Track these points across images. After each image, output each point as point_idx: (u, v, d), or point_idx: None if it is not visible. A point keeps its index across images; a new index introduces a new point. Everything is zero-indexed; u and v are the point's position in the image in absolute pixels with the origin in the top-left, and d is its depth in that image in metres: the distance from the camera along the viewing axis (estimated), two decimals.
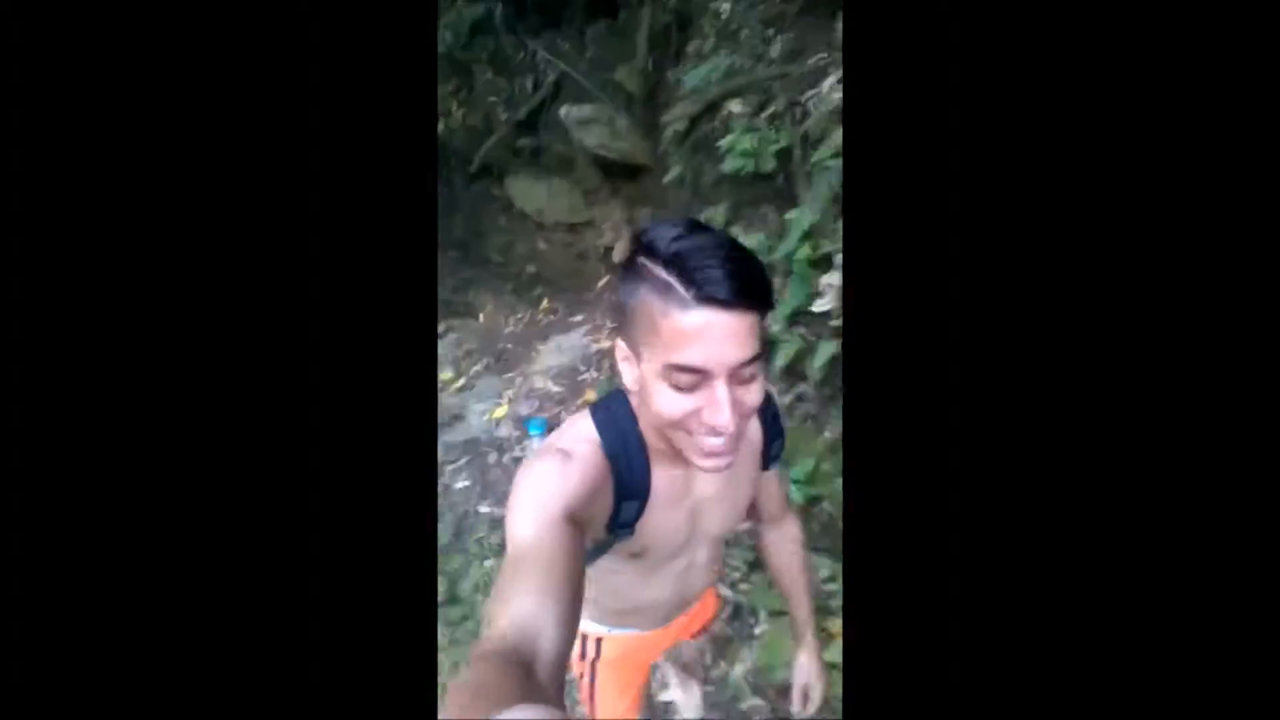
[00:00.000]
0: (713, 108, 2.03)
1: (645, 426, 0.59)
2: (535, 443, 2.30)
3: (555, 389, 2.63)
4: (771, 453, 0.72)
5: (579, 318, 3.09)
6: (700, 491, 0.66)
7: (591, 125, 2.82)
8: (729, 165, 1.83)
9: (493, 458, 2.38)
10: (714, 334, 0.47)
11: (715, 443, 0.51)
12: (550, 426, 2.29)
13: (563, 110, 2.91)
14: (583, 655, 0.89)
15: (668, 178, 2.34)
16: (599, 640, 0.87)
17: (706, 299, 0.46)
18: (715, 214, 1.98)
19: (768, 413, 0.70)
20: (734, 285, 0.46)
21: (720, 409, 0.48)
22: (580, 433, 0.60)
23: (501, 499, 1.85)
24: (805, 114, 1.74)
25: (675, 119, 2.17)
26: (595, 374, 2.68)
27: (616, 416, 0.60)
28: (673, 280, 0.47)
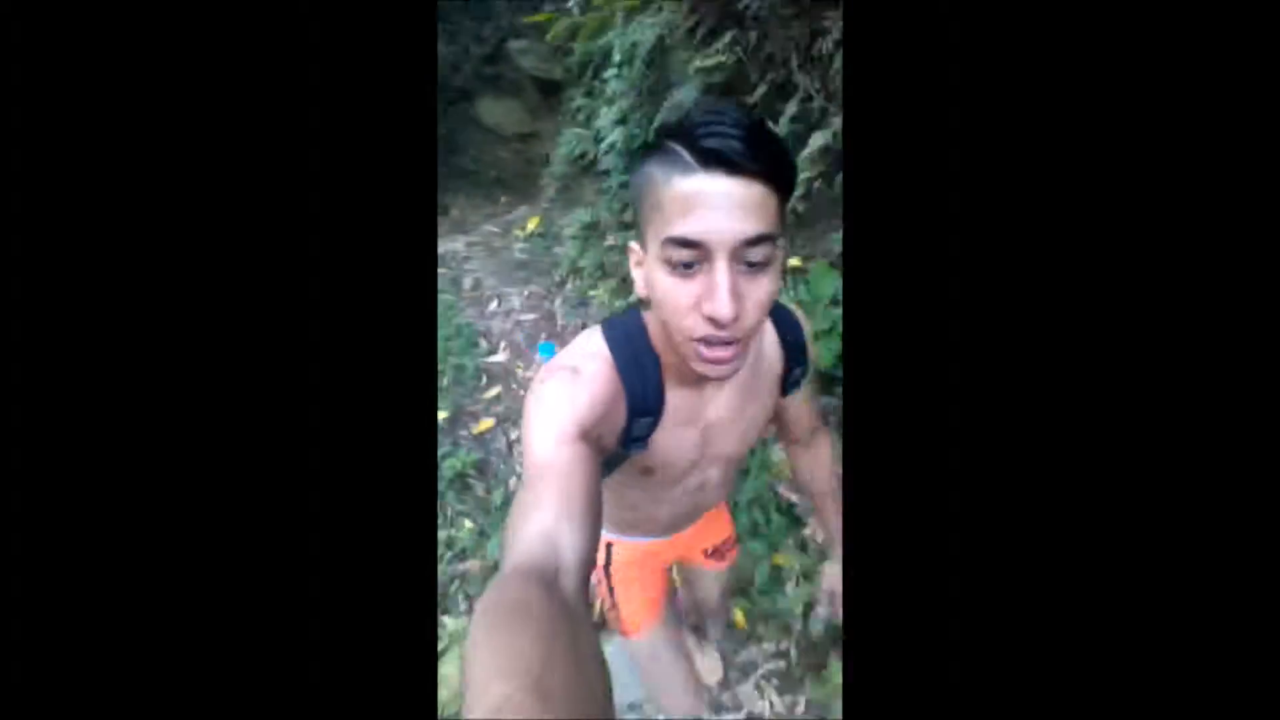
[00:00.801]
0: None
1: (658, 342, 0.57)
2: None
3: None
4: (791, 378, 0.69)
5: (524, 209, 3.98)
6: (714, 412, 0.64)
7: (528, 53, 3.68)
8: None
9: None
10: (715, 201, 0.43)
11: (718, 350, 0.48)
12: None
13: (510, 43, 3.77)
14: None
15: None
16: (609, 545, 0.89)
17: (709, 160, 0.42)
18: None
19: (788, 336, 0.66)
20: (741, 148, 0.42)
21: (719, 293, 0.44)
22: (590, 348, 0.58)
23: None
24: None
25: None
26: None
27: (630, 332, 0.58)
28: (678, 146, 0.44)
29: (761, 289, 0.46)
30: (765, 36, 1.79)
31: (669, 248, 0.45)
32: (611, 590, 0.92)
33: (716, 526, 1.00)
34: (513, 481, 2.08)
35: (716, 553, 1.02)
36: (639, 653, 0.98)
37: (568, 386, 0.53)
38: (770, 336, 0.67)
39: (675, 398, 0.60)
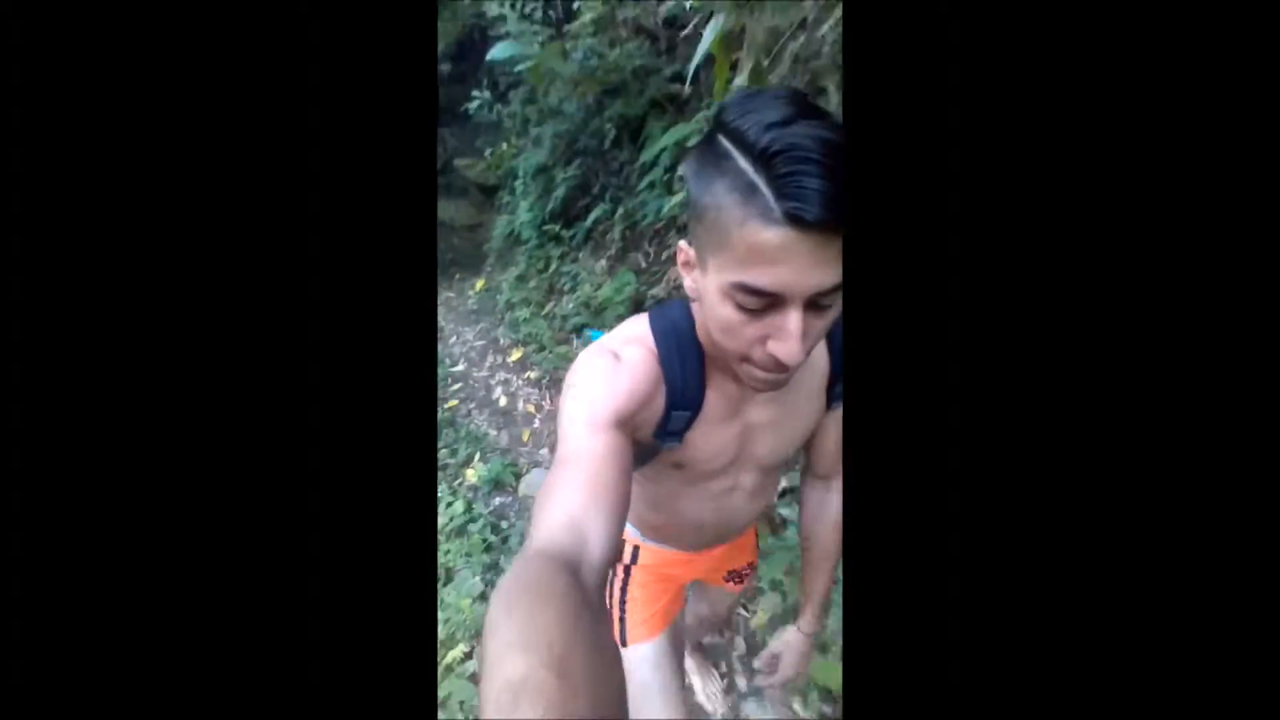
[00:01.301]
0: None
1: (704, 336, 0.55)
2: None
3: None
4: (837, 390, 0.64)
5: None
6: (755, 414, 0.62)
7: (471, 168, 5.22)
8: None
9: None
10: (797, 258, 0.40)
11: (770, 376, 0.47)
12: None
13: (456, 160, 5.31)
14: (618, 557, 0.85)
15: None
16: (636, 547, 0.87)
17: (795, 217, 0.39)
18: None
19: (834, 342, 0.62)
20: (830, 202, 0.38)
21: (790, 339, 0.43)
22: (634, 335, 0.57)
23: None
24: None
25: None
26: None
27: (675, 324, 0.57)
28: (759, 182, 0.39)
29: (825, 323, 0.45)
30: None
31: (740, 292, 0.42)
32: (624, 594, 0.88)
33: (743, 551, 0.96)
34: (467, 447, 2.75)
35: (736, 575, 0.98)
36: (635, 662, 0.87)
37: (607, 372, 0.52)
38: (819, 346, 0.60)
39: (716, 394, 0.58)
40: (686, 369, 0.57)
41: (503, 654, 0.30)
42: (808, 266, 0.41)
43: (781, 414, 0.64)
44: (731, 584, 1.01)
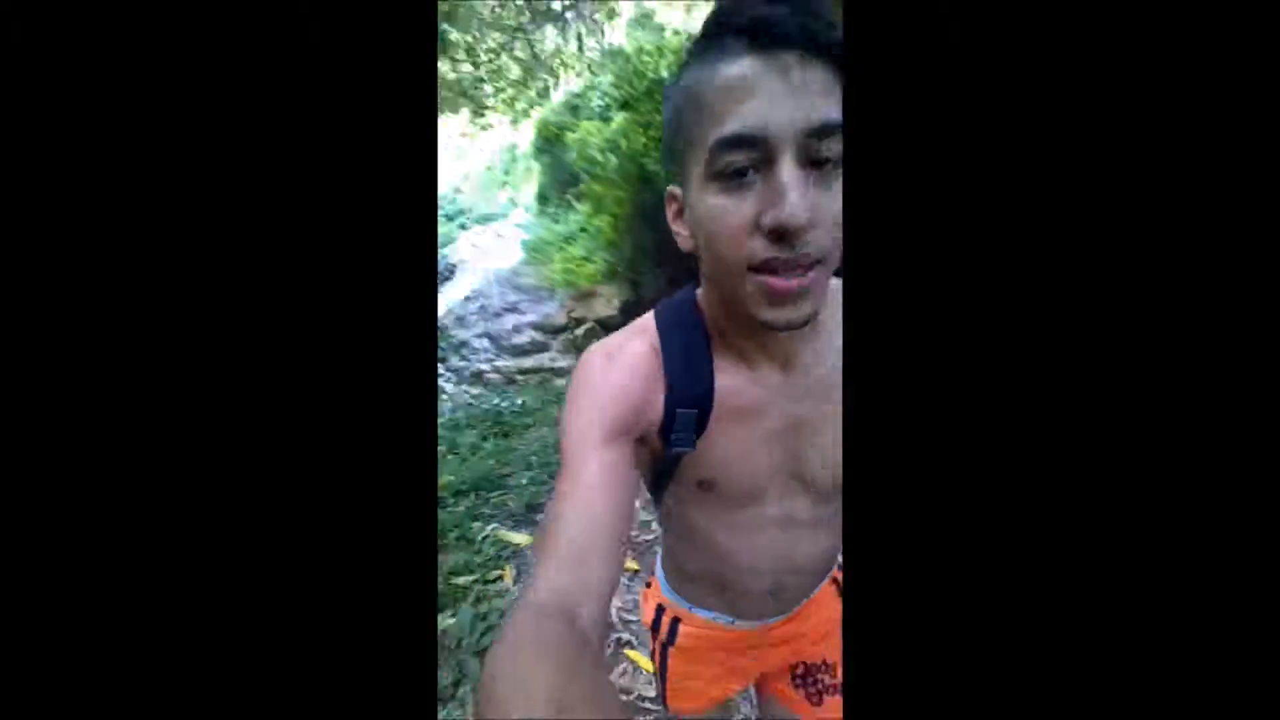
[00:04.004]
0: None
1: (710, 313, 0.50)
2: None
3: None
4: None
5: None
6: (782, 411, 0.52)
7: None
8: None
9: None
10: (771, 85, 0.35)
11: (783, 281, 0.39)
12: None
13: None
14: (654, 630, 0.74)
15: None
16: (675, 620, 0.72)
17: (759, 37, 0.35)
18: None
19: None
20: (801, 22, 0.35)
21: (787, 193, 0.36)
22: (636, 327, 0.52)
23: None
24: None
25: None
26: None
27: (680, 310, 0.51)
28: (724, 35, 0.37)
29: (836, 200, 0.38)
30: None
31: (719, 154, 0.37)
32: (664, 668, 0.73)
33: (816, 635, 0.72)
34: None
35: (808, 679, 0.73)
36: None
37: (598, 375, 0.48)
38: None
39: (728, 383, 0.49)
40: (689, 354, 0.49)
41: (501, 707, 0.30)
42: (786, 95, 0.36)
43: (818, 408, 0.51)
44: (798, 692, 0.73)
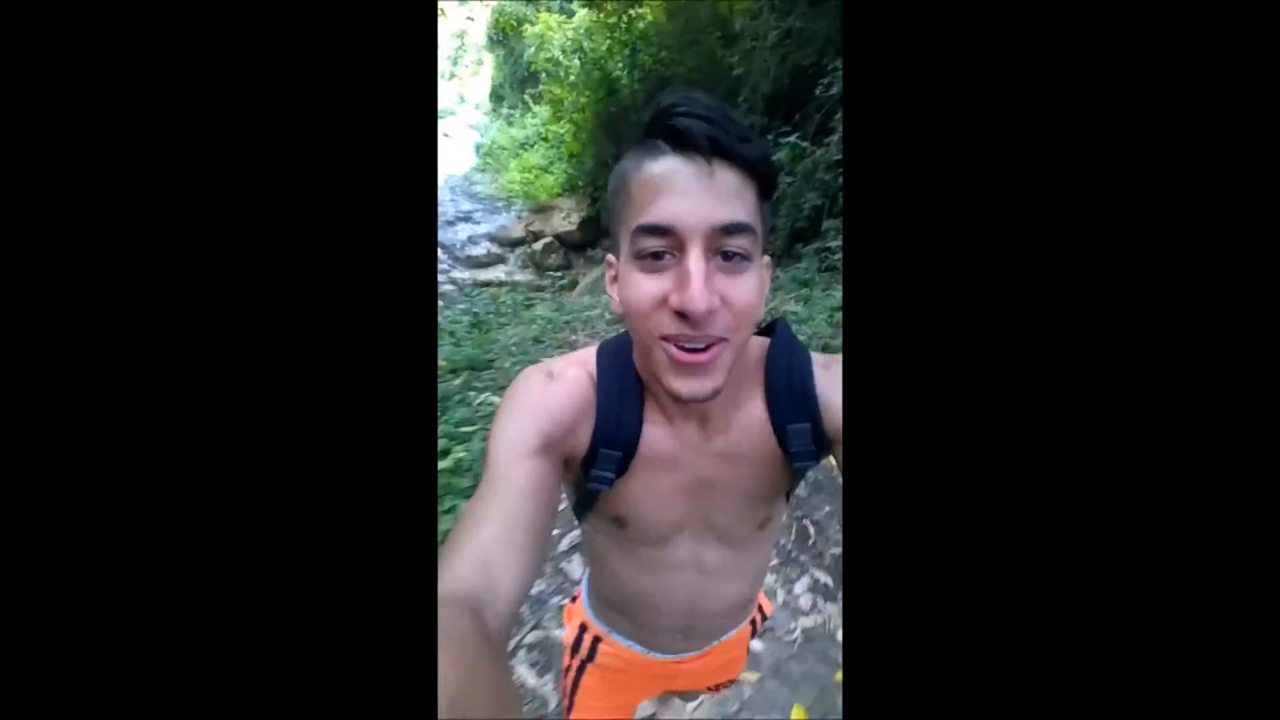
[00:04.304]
0: None
1: (643, 372, 0.51)
2: None
3: None
4: (795, 449, 0.53)
5: None
6: (702, 468, 0.55)
7: None
8: None
9: None
10: (687, 184, 0.40)
11: (689, 353, 0.43)
12: None
13: None
14: (575, 648, 0.78)
15: None
16: (596, 639, 0.76)
17: (679, 141, 0.40)
18: None
19: (774, 388, 0.53)
20: (712, 130, 0.40)
21: (690, 283, 0.40)
22: (578, 357, 0.55)
23: None
24: None
25: None
26: None
27: (619, 354, 0.53)
28: (651, 135, 0.42)
29: (741, 288, 0.42)
30: None
31: (638, 238, 0.42)
32: (575, 685, 0.79)
33: (733, 663, 0.83)
34: None
35: (714, 688, 0.88)
36: None
37: (536, 391, 0.51)
38: (758, 389, 0.54)
39: (652, 432, 0.53)
40: (624, 400, 0.53)
41: None
42: (699, 195, 0.40)
43: (733, 468, 0.56)
44: (712, 693, 0.89)
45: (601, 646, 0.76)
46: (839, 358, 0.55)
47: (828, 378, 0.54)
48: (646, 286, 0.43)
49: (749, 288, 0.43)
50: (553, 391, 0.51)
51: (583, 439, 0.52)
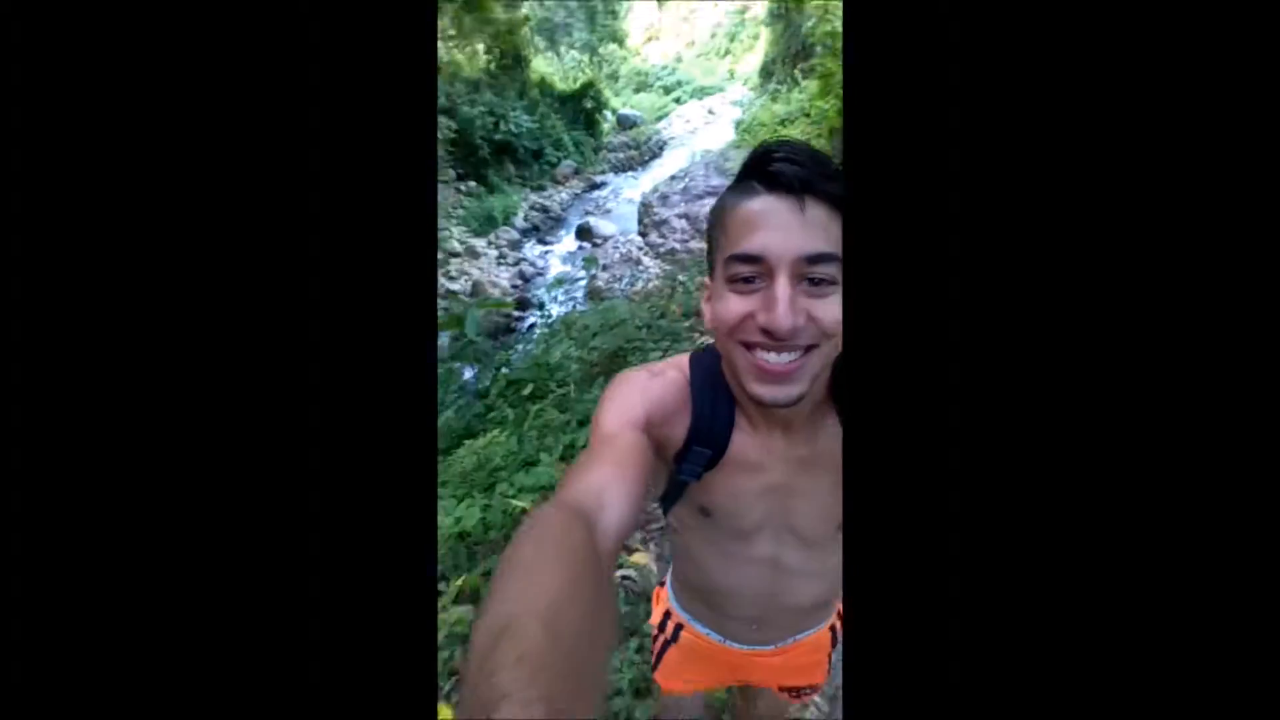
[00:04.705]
0: None
1: (731, 381, 0.56)
2: None
3: None
4: None
5: None
6: (785, 474, 0.60)
7: None
8: None
9: None
10: (777, 219, 0.46)
11: (773, 359, 0.47)
12: None
13: None
14: (660, 628, 0.87)
15: None
16: (679, 625, 0.84)
17: (773, 183, 0.46)
18: None
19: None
20: (804, 172, 0.45)
21: (776, 304, 0.45)
22: (674, 362, 0.61)
23: None
24: None
25: None
26: None
27: (710, 362, 0.59)
28: (748, 177, 0.48)
29: (826, 308, 0.46)
30: None
31: (732, 264, 0.47)
32: (658, 661, 0.88)
33: (807, 669, 0.86)
34: None
35: (794, 691, 0.92)
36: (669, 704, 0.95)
37: (642, 383, 0.57)
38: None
39: (742, 440, 0.58)
40: (715, 405, 0.58)
41: (499, 596, 0.31)
42: (787, 230, 0.46)
43: (813, 478, 0.61)
44: (789, 696, 0.93)
45: (683, 633, 0.83)
46: None
47: None
48: (736, 305, 0.48)
49: (833, 307, 0.47)
50: (655, 384, 0.58)
51: (678, 432, 0.58)
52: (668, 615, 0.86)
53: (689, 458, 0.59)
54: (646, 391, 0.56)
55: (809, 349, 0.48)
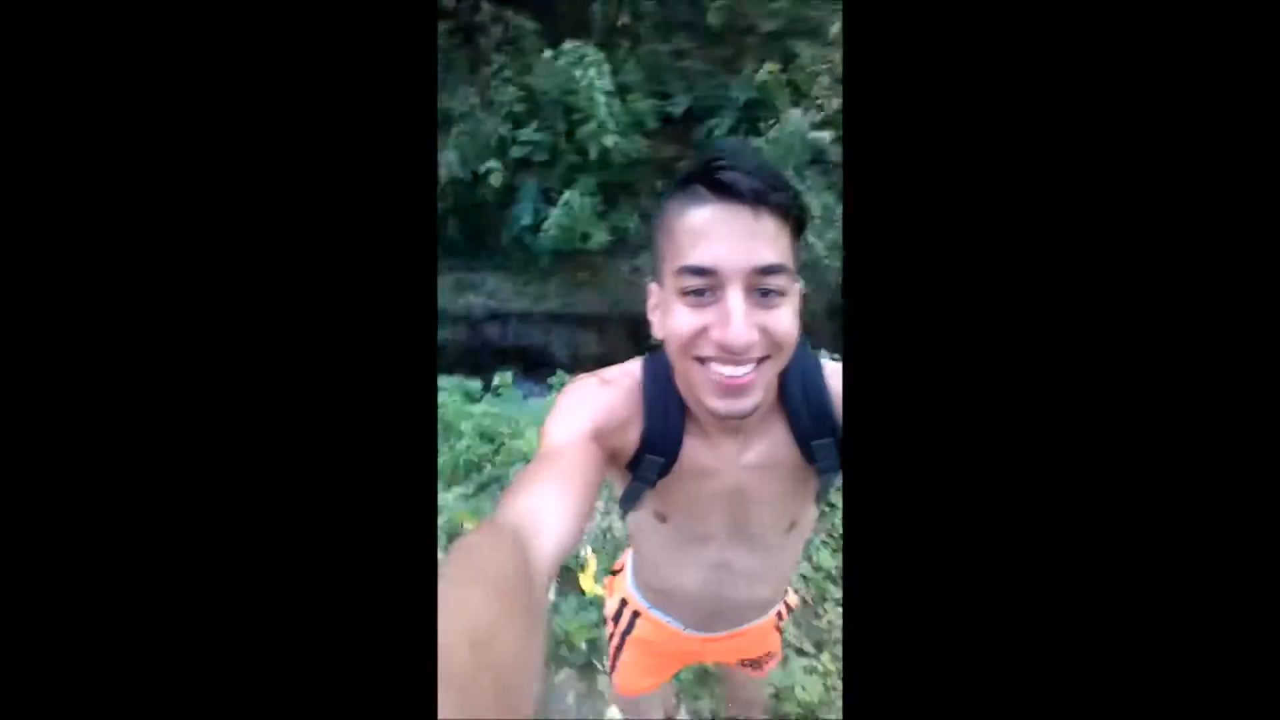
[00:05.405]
0: None
1: (687, 394, 0.56)
2: None
3: None
4: (820, 461, 0.59)
5: None
6: (737, 478, 0.61)
7: None
8: None
9: None
10: (726, 229, 0.45)
11: (729, 372, 0.47)
12: None
13: None
14: (616, 619, 0.88)
15: None
16: (635, 614, 0.85)
17: (721, 191, 0.45)
18: None
19: (793, 406, 0.58)
20: (755, 182, 0.44)
21: (730, 317, 0.45)
22: (625, 368, 0.60)
23: None
24: None
25: None
26: None
27: (662, 369, 0.58)
28: (694, 183, 0.47)
29: (778, 320, 0.47)
30: None
31: (682, 276, 0.46)
32: (617, 653, 0.89)
33: (758, 642, 0.91)
34: None
35: (753, 663, 0.95)
36: (626, 707, 0.97)
37: (593, 391, 0.57)
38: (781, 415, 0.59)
39: (693, 446, 0.58)
40: (667, 413, 0.58)
41: (443, 617, 0.31)
42: (738, 240, 0.45)
43: (765, 482, 0.62)
44: (750, 670, 0.97)
45: (639, 621, 0.86)
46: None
47: (841, 384, 0.57)
48: (689, 319, 0.48)
49: (785, 318, 0.48)
50: (606, 393, 0.58)
51: (630, 439, 0.58)
52: (624, 604, 0.88)
53: (642, 465, 0.59)
54: (597, 400, 0.57)
55: (761, 360, 0.48)
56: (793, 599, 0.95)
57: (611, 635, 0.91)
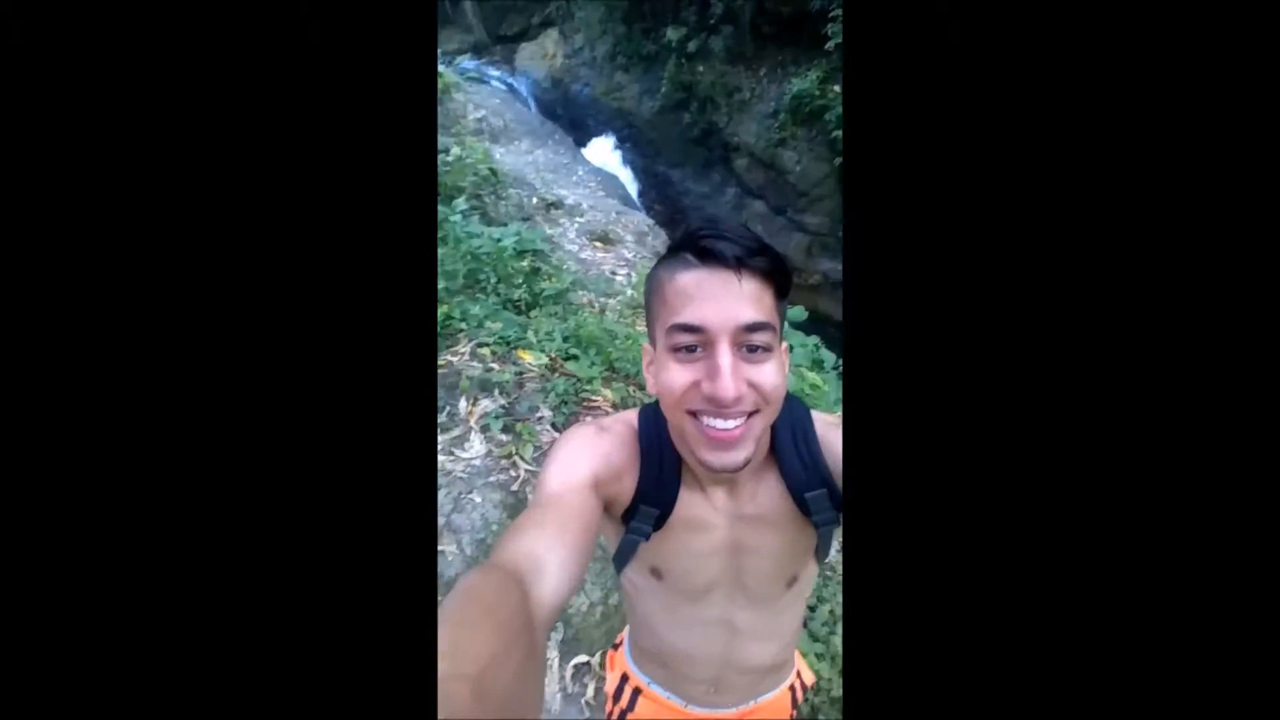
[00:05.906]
0: None
1: (681, 447, 0.56)
2: None
3: None
4: (816, 515, 0.59)
5: None
6: (735, 533, 0.61)
7: None
8: None
9: None
10: (714, 290, 0.48)
11: (720, 425, 0.49)
12: None
13: None
14: (616, 697, 0.84)
15: None
16: (636, 691, 0.81)
17: (708, 256, 0.48)
18: None
19: (785, 461, 0.59)
20: (738, 248, 0.47)
21: (719, 372, 0.47)
22: (622, 417, 0.62)
23: None
24: None
25: None
26: None
27: (658, 421, 0.58)
28: (683, 250, 0.50)
29: (764, 375, 0.49)
30: None
31: (673, 334, 0.49)
32: None
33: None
34: None
35: None
36: None
37: (591, 438, 0.58)
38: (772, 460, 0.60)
39: (689, 498, 0.59)
40: (663, 465, 0.59)
41: (443, 654, 0.31)
42: (724, 300, 0.48)
43: (763, 536, 0.62)
44: None
45: (640, 699, 0.81)
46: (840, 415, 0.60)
47: (834, 437, 0.59)
48: (680, 375, 0.50)
49: (771, 373, 0.50)
50: (604, 440, 0.59)
51: (626, 488, 0.58)
52: (624, 680, 0.84)
53: (637, 516, 0.59)
54: (595, 448, 0.57)
55: (751, 414, 0.50)
56: (808, 675, 0.89)
57: (610, 714, 0.86)
